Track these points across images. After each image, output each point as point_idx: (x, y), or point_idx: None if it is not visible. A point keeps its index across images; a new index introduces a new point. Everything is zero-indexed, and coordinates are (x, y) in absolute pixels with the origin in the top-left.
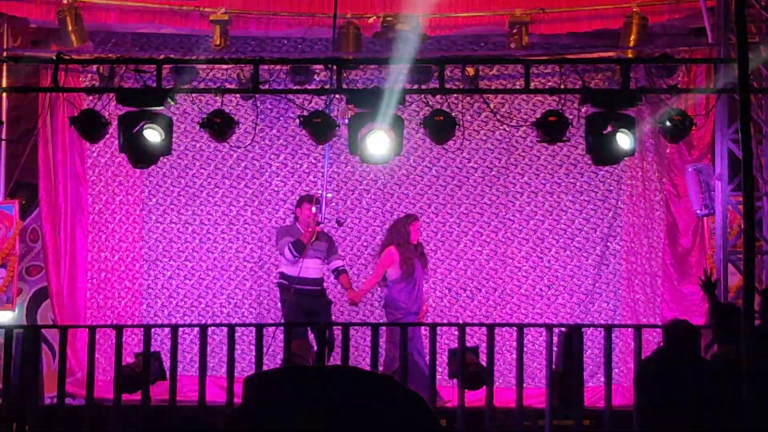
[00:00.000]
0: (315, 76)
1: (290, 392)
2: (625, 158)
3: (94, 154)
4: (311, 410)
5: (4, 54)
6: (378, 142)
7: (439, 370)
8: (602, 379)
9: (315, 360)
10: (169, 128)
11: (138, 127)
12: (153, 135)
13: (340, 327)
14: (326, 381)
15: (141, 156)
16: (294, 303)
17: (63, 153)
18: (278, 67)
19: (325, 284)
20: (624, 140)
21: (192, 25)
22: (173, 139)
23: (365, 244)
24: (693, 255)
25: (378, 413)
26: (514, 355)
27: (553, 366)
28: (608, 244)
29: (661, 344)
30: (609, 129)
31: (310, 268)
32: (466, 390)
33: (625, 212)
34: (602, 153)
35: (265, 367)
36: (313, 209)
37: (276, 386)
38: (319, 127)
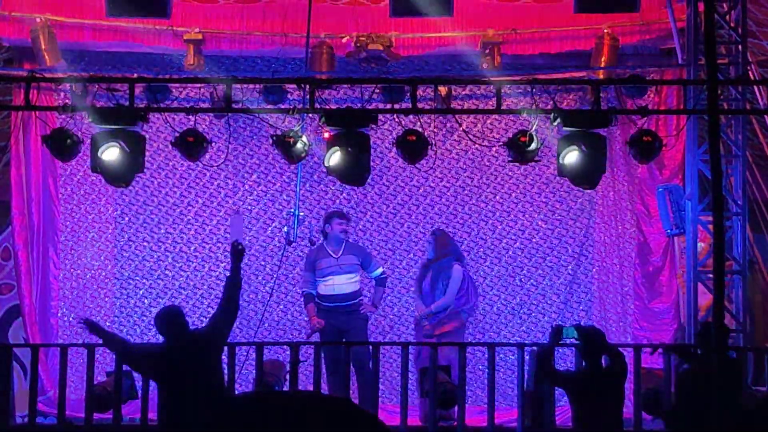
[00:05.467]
0: (288, 96)
1: (249, 418)
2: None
3: (67, 173)
4: None
5: None
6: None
7: (411, 389)
8: None
9: (287, 379)
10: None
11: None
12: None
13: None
14: (285, 406)
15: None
16: (326, 322)
17: (35, 171)
18: (251, 86)
19: (361, 298)
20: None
21: (165, 44)
22: (146, 158)
23: None
24: (664, 274)
25: None
26: (486, 374)
27: (525, 385)
28: (580, 263)
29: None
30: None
31: (342, 284)
32: (437, 409)
33: (597, 231)
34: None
35: (236, 386)
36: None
37: (235, 412)
38: (291, 146)
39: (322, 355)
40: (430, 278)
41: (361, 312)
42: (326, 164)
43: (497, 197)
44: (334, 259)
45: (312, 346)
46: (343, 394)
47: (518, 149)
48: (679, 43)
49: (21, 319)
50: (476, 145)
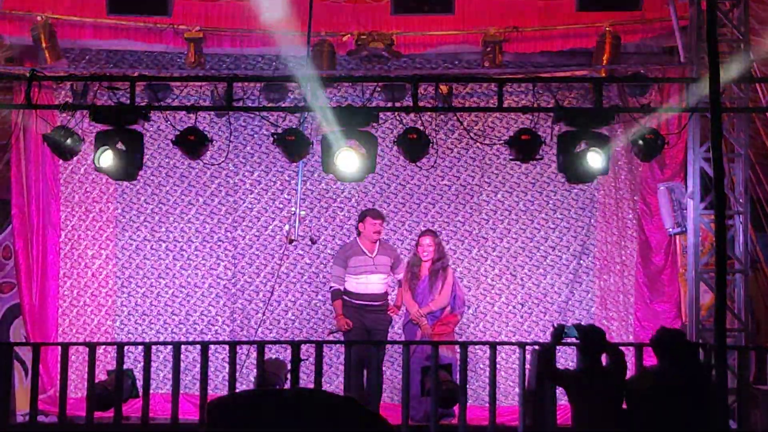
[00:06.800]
0: (289, 94)
1: (253, 416)
2: (599, 177)
3: (68, 171)
4: None
5: None
6: (348, 160)
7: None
8: None
9: (288, 377)
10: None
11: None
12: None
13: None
14: (288, 404)
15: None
16: (354, 319)
17: (36, 170)
18: (252, 84)
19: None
20: (595, 159)
21: (166, 42)
22: (147, 156)
23: None
24: (665, 273)
25: None
26: (488, 373)
27: (526, 384)
28: (581, 262)
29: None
30: (581, 148)
31: (375, 283)
32: (438, 408)
33: (598, 230)
34: (575, 171)
35: (238, 385)
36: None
37: (238, 410)
38: (292, 145)
39: (350, 353)
40: (428, 279)
41: (388, 313)
42: (336, 166)
43: (498, 195)
44: (370, 258)
45: (313, 345)
46: (360, 394)
47: (519, 147)
48: (681, 42)
49: (22, 318)
50: (477, 144)
